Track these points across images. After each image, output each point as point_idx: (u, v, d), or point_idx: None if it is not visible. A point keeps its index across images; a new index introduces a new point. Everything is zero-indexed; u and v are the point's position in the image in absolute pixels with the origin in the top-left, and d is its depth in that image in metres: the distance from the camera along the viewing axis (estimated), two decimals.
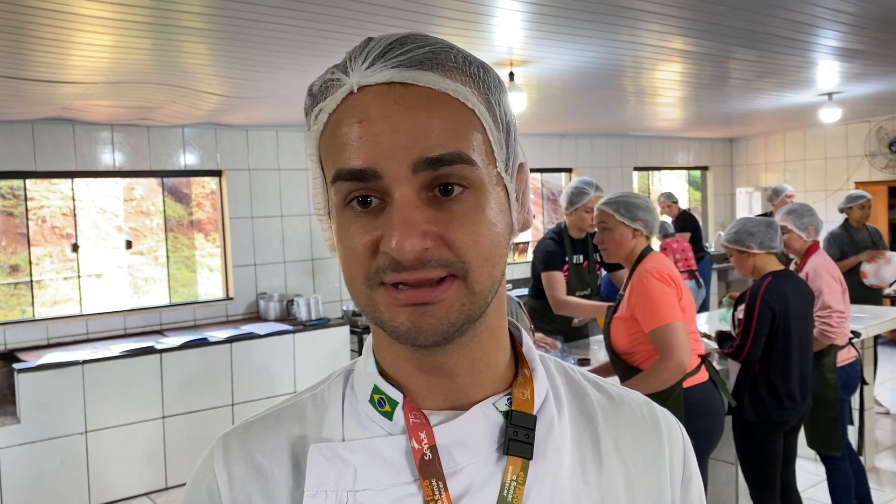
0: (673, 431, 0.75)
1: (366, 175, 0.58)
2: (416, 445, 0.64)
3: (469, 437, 0.65)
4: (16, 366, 4.42)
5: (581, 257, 3.98)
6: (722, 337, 3.32)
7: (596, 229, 3.02)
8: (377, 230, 0.59)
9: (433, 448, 0.64)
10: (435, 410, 0.66)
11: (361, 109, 0.60)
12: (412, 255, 0.57)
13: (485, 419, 0.66)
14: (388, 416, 0.66)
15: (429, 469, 0.63)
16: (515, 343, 0.72)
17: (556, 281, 3.81)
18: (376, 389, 0.67)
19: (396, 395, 0.66)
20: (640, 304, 2.73)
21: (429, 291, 0.59)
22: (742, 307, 3.13)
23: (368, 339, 0.72)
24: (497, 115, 0.64)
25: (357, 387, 0.70)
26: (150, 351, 4.75)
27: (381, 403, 0.67)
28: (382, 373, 0.68)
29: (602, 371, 3.10)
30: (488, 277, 0.61)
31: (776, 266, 3.15)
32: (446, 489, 0.62)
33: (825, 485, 3.63)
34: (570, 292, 3.88)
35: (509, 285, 7.21)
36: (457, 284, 0.59)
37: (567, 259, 3.91)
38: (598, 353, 3.68)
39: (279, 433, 0.69)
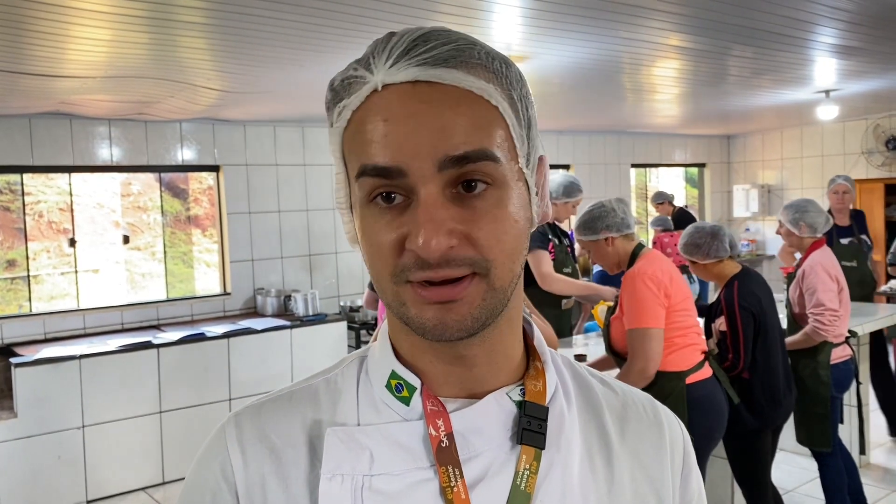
0: (673, 427, 0.76)
1: (391, 173, 0.59)
2: (434, 433, 0.64)
3: (484, 424, 0.66)
4: (13, 360, 4.42)
5: (557, 240, 4.18)
6: None
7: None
8: (402, 227, 0.60)
9: (450, 435, 0.64)
10: (451, 398, 0.67)
11: (386, 108, 0.60)
12: (438, 253, 0.58)
13: (499, 408, 0.67)
14: (406, 401, 0.67)
15: (445, 456, 0.64)
16: (527, 336, 0.73)
17: (543, 258, 3.96)
18: (394, 375, 0.68)
19: (414, 381, 0.67)
20: (626, 303, 2.78)
21: (451, 289, 0.60)
22: (720, 320, 3.13)
23: (383, 326, 0.72)
24: (519, 111, 0.64)
25: (372, 372, 0.70)
26: (147, 346, 4.75)
27: (399, 389, 0.67)
28: (399, 358, 0.69)
29: (600, 365, 3.13)
30: (508, 273, 0.62)
31: (735, 268, 3.17)
32: (462, 476, 0.63)
33: (819, 481, 3.65)
34: (556, 271, 4.05)
35: None
36: (477, 281, 0.60)
37: (550, 238, 4.05)
38: (593, 349, 3.69)
39: (293, 415, 0.69)
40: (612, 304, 3.17)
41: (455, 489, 0.63)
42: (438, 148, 0.58)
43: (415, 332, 0.62)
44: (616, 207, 2.91)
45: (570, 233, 4.59)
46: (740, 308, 3.05)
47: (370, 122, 0.61)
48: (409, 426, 0.66)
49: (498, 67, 0.63)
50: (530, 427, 0.66)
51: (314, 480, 0.64)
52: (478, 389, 0.67)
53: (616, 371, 2.95)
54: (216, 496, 0.66)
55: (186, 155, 5.68)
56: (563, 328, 4.21)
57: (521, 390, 0.68)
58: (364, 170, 0.60)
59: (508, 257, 0.62)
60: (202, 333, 5.02)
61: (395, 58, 0.61)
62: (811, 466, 3.81)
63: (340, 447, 0.64)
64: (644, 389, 0.83)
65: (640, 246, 2.91)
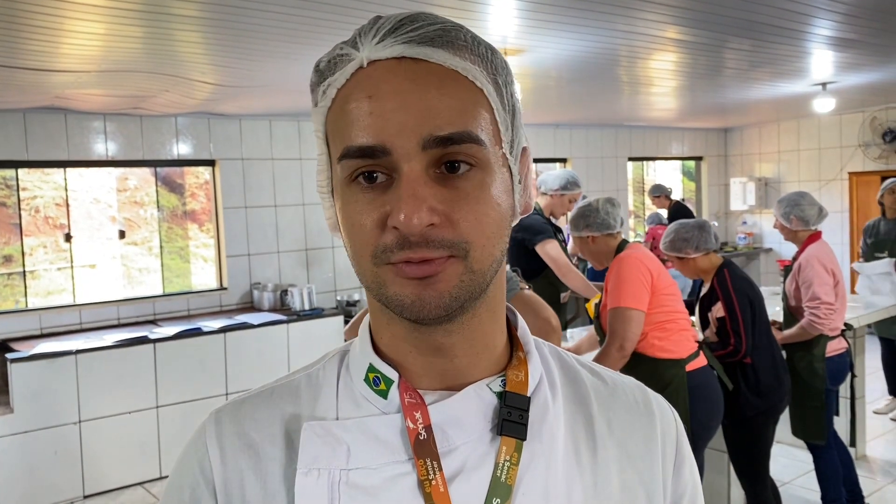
0: (665, 416, 0.75)
1: (375, 151, 0.59)
2: (412, 425, 0.63)
3: (463, 416, 0.65)
4: (9, 356, 4.41)
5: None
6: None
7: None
8: (385, 206, 0.59)
9: (428, 428, 0.63)
10: (430, 391, 0.66)
11: (371, 84, 0.60)
12: (419, 228, 0.57)
13: (478, 399, 0.66)
14: (384, 394, 0.66)
15: (423, 449, 0.63)
16: (511, 327, 0.73)
17: (557, 247, 3.96)
18: (371, 368, 0.67)
19: (392, 374, 0.66)
20: (611, 283, 2.83)
21: (428, 265, 0.59)
22: (717, 307, 3.14)
23: (365, 321, 0.72)
24: (504, 97, 0.64)
25: (352, 366, 0.69)
26: (143, 341, 4.74)
27: (377, 382, 0.67)
28: (378, 353, 0.68)
29: (585, 343, 3.33)
30: (488, 257, 0.61)
31: (718, 260, 3.21)
32: (441, 469, 0.62)
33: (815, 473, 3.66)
34: None
35: None
36: (454, 262, 0.60)
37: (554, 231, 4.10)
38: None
39: (272, 410, 0.68)
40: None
41: (433, 482, 0.62)
42: (423, 127, 0.58)
43: (393, 311, 0.62)
44: (601, 208, 2.97)
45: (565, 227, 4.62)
46: (736, 291, 3.09)
47: (354, 99, 0.60)
48: (386, 419, 0.65)
49: (483, 52, 0.63)
50: (511, 418, 0.65)
51: (292, 476, 0.64)
52: (459, 381, 0.66)
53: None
54: (194, 492, 0.67)
55: (182, 149, 5.66)
56: (560, 322, 4.23)
57: (501, 381, 0.67)
58: (348, 151, 0.60)
59: (488, 240, 0.61)
60: (199, 328, 5.01)
61: (382, 35, 0.61)
62: (808, 459, 3.82)
63: (317, 441, 0.64)
64: (644, 379, 0.82)
65: (625, 242, 2.98)
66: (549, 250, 3.96)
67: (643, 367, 2.74)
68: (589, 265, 5.51)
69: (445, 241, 0.59)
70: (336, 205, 0.65)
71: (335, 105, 0.63)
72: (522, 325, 0.73)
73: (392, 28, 0.61)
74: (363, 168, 0.60)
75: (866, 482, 4.05)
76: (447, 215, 0.59)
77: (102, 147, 5.30)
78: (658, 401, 0.76)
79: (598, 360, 2.72)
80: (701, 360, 2.85)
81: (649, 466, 0.71)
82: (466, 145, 0.59)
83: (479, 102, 0.61)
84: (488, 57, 0.64)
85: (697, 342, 2.88)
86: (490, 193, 0.61)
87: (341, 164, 0.61)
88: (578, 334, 4.06)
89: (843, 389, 3.89)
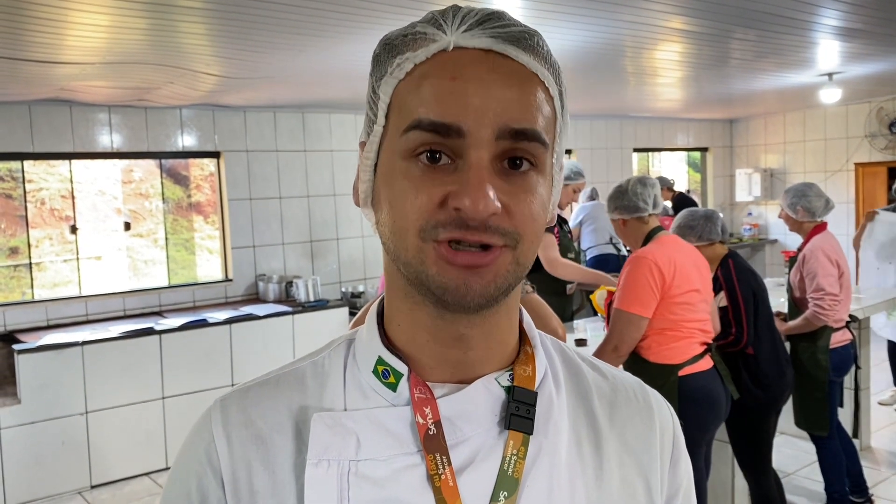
0: (663, 412, 0.76)
1: (449, 130, 0.59)
2: (421, 420, 0.64)
3: (472, 409, 0.65)
4: (16, 347, 4.44)
5: (559, 226, 4.23)
6: None
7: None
8: (446, 186, 0.60)
9: (437, 423, 0.64)
10: (439, 383, 0.67)
11: (455, 68, 0.61)
12: (485, 214, 0.58)
13: (487, 393, 0.66)
14: (392, 387, 0.66)
15: (433, 444, 0.63)
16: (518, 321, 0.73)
17: (549, 241, 3.97)
18: (380, 361, 0.67)
19: (401, 367, 0.66)
20: (622, 281, 2.78)
21: (482, 255, 0.60)
22: (720, 296, 3.13)
23: (372, 309, 0.72)
24: (565, 110, 0.67)
25: (360, 357, 0.69)
26: (149, 332, 4.76)
27: (386, 375, 0.67)
28: (389, 342, 0.68)
29: None
30: (532, 254, 0.64)
31: (724, 250, 3.22)
32: (450, 463, 0.63)
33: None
34: (562, 255, 4.09)
35: None
36: (506, 253, 0.61)
37: (555, 224, 4.10)
38: (592, 334, 3.69)
39: (279, 400, 0.68)
40: (613, 289, 3.17)
41: (443, 476, 0.62)
42: (501, 117, 0.60)
43: (432, 292, 0.62)
44: (630, 189, 2.87)
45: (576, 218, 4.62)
46: (739, 282, 3.09)
47: (435, 77, 0.61)
48: (396, 411, 0.65)
49: (555, 63, 0.65)
50: (518, 412, 0.65)
51: (300, 466, 0.64)
52: (470, 374, 0.67)
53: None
54: (201, 480, 0.66)
55: (187, 141, 5.67)
56: (565, 314, 4.23)
57: (509, 376, 0.68)
58: (419, 123, 0.60)
59: (536, 237, 0.63)
60: (204, 319, 5.03)
61: (469, 25, 0.62)
62: (811, 450, 3.83)
63: (327, 432, 0.64)
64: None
65: (658, 229, 2.87)
66: (543, 243, 3.96)
67: (635, 368, 2.73)
68: (588, 257, 5.52)
69: (502, 229, 0.60)
70: (380, 178, 0.65)
71: (409, 78, 0.63)
72: (527, 319, 0.74)
73: (479, 20, 0.62)
74: (428, 145, 0.60)
75: (870, 473, 4.05)
76: (506, 206, 0.60)
77: (107, 139, 5.31)
78: (656, 397, 0.77)
79: (595, 355, 2.69)
80: (703, 364, 2.78)
81: (648, 460, 0.72)
82: (534, 144, 0.61)
83: (549, 109, 0.64)
84: (557, 69, 0.66)
85: (707, 344, 2.83)
86: (541, 195, 0.63)
87: (407, 135, 0.61)
88: (584, 325, 4.06)
89: (848, 380, 3.88)
